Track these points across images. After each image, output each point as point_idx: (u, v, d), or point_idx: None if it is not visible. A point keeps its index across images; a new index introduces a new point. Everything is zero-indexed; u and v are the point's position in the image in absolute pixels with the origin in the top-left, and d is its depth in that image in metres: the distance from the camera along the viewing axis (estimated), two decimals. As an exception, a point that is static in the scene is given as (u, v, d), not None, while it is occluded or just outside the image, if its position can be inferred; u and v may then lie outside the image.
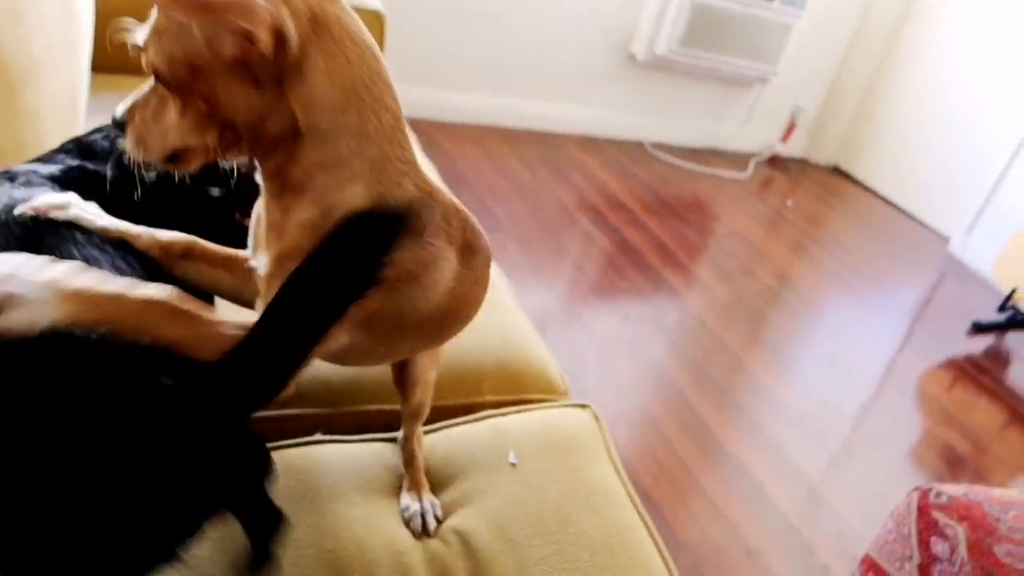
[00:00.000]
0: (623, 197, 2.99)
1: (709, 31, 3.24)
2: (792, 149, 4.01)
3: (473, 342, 0.90)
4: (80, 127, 0.89)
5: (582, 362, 1.99)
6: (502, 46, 3.04)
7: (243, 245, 0.68)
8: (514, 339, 1.01)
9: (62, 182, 0.66)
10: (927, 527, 0.93)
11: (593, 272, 2.46)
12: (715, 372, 2.12)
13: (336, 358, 0.69)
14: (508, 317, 1.06)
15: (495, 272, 0.99)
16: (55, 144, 0.74)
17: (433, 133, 2.96)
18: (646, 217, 2.88)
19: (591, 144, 3.37)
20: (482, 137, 3.08)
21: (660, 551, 0.82)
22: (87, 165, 0.69)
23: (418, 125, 3.00)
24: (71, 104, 0.82)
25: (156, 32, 0.55)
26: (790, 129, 3.94)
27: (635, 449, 1.76)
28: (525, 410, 0.93)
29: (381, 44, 1.55)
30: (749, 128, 3.81)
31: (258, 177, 0.62)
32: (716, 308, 2.45)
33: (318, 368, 0.78)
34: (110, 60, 0.81)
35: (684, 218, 2.99)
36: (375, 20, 1.53)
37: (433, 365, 0.81)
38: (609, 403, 1.87)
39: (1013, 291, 2.72)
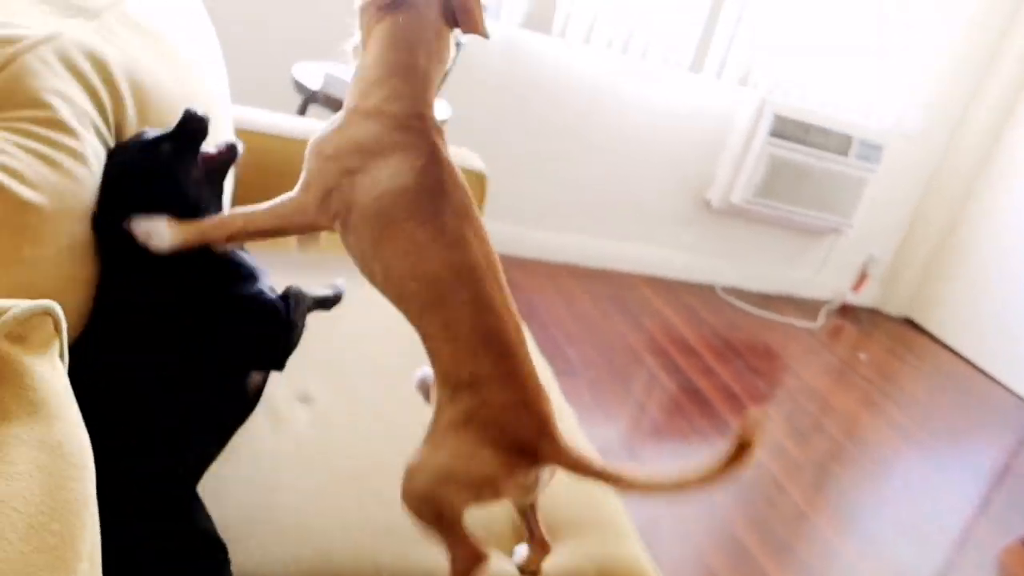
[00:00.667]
0: (692, 341, 3.02)
1: (785, 183, 3.33)
2: (864, 299, 4.00)
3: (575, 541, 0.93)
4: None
5: (639, 505, 1.99)
6: (579, 186, 3.19)
7: None
8: (614, 541, 1.03)
9: None
10: None
11: (657, 414, 2.48)
12: (779, 525, 2.08)
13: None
14: (607, 513, 1.07)
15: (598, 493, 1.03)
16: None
17: (509, 267, 3.05)
18: (714, 362, 2.90)
19: (662, 285, 3.45)
20: (556, 274, 3.19)
21: None
22: None
23: (495, 258, 3.14)
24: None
25: None
26: (862, 278, 3.94)
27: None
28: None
29: (482, 200, 1.68)
30: (821, 276, 3.84)
31: None
32: (782, 459, 2.42)
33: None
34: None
35: (753, 365, 2.99)
36: (478, 181, 1.65)
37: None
38: (667, 548, 1.85)
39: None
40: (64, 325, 0.44)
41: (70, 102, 0.66)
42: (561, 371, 2.49)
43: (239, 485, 0.82)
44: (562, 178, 3.14)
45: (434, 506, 0.74)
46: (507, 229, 3.14)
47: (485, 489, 0.76)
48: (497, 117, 2.94)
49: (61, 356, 0.46)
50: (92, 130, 0.68)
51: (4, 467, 0.39)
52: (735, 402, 2.67)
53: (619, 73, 3.03)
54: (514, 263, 3.14)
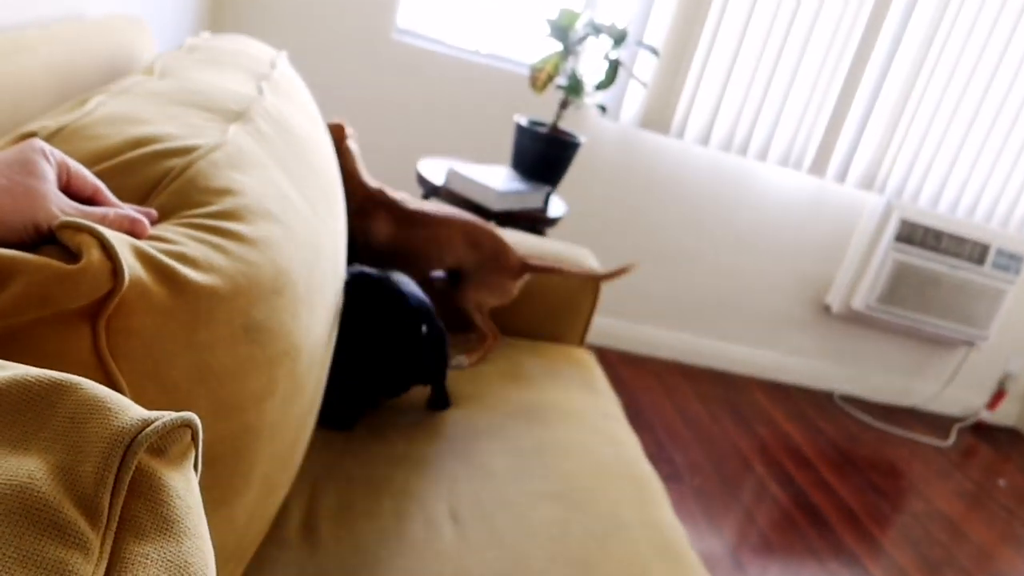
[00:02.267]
0: (807, 451, 2.86)
1: (912, 290, 3.17)
2: (1000, 417, 3.70)
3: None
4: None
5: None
6: (693, 284, 3.14)
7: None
8: None
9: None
10: None
11: (767, 528, 2.33)
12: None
13: None
14: None
15: None
16: (310, 409, 0.88)
17: (616, 363, 3.03)
18: (831, 476, 2.73)
19: (776, 390, 3.31)
20: (664, 372, 3.12)
21: None
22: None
23: (602, 353, 3.11)
24: (325, 368, 0.96)
25: None
26: (999, 395, 3.66)
27: None
28: None
29: (595, 299, 1.69)
30: (951, 390, 3.59)
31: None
32: None
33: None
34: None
35: (874, 483, 2.79)
36: (593, 280, 1.67)
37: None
38: None
39: None
40: (200, 436, 0.46)
41: (238, 195, 0.70)
42: (666, 476, 2.40)
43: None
44: (675, 275, 3.11)
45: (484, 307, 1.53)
46: (616, 324, 3.11)
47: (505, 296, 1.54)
48: (612, 214, 2.96)
49: (196, 467, 0.47)
50: (263, 216, 0.72)
51: (129, 587, 0.40)
52: (854, 522, 2.49)
53: (737, 173, 3.01)
54: (622, 359, 3.09)
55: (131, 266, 0.53)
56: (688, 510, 2.26)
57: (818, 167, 3.00)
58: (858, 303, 3.18)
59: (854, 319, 3.31)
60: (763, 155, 2.93)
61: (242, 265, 0.65)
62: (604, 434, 1.26)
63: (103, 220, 0.58)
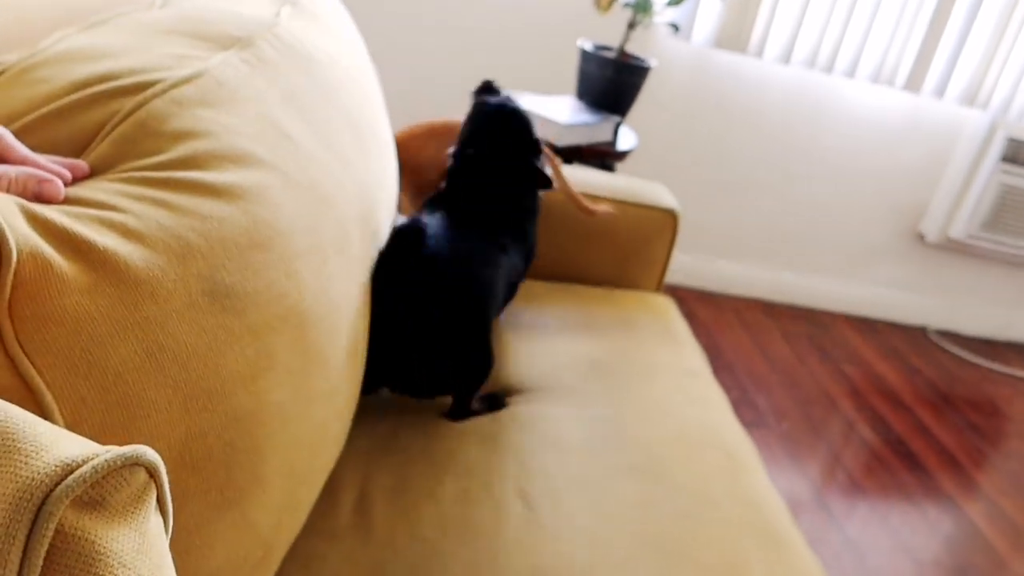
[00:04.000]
0: (900, 390, 2.68)
1: (1018, 216, 2.90)
2: (1114, 349, 3.41)
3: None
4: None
5: (835, 562, 1.74)
6: (774, 216, 2.94)
7: None
8: None
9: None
10: None
11: (854, 467, 2.19)
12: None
13: None
14: None
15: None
16: (341, 386, 0.77)
17: (692, 302, 2.87)
18: (925, 416, 2.55)
19: (865, 326, 3.10)
20: (744, 310, 2.95)
21: None
22: None
23: (677, 292, 2.95)
24: (363, 334, 0.85)
25: None
26: (1112, 326, 3.37)
27: None
28: None
29: (673, 239, 1.54)
30: (1059, 321, 3.32)
31: None
32: (1003, 528, 2.06)
33: None
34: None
35: (972, 422, 2.60)
36: (670, 218, 1.51)
37: None
38: None
39: None
40: (163, 471, 0.34)
41: (202, 137, 0.59)
42: (749, 422, 2.27)
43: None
44: (755, 207, 2.90)
45: None
46: (692, 260, 2.95)
47: None
48: (685, 144, 2.76)
49: (164, 510, 0.36)
50: (237, 161, 0.61)
51: None
52: (951, 464, 2.32)
53: (821, 94, 2.76)
54: (698, 297, 2.93)
55: (23, 236, 0.42)
56: (773, 455, 2.13)
57: (914, 82, 2.73)
58: (957, 231, 2.92)
59: (951, 248, 3.06)
60: (851, 72, 2.67)
61: (195, 221, 0.52)
62: (688, 393, 1.14)
63: None
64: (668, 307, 1.48)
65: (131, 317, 0.47)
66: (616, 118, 1.99)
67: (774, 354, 2.69)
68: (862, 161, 2.89)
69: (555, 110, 1.90)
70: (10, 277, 0.41)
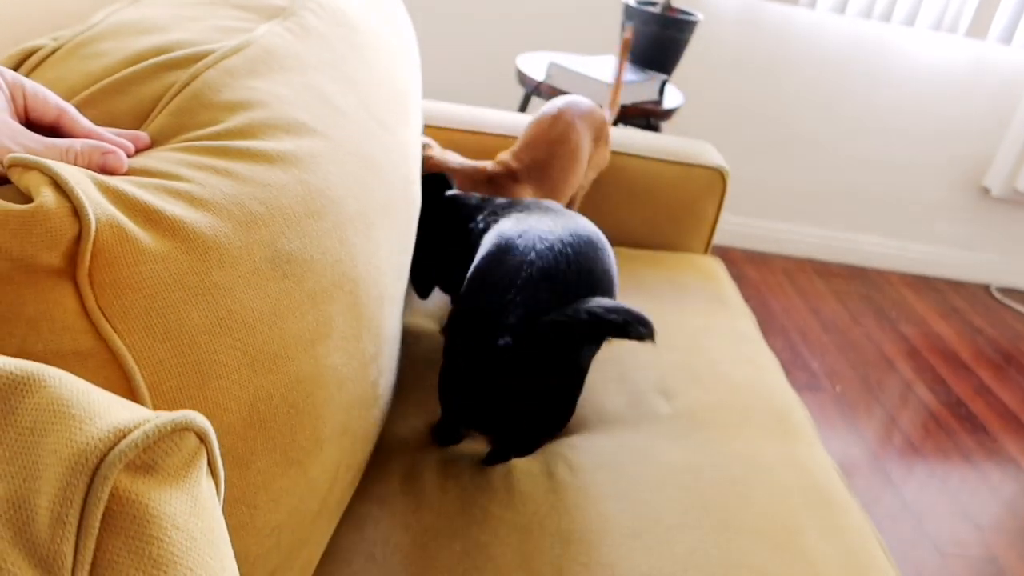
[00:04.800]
0: (960, 350, 2.59)
1: (1089, 166, 2.76)
2: None
3: None
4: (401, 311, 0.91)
5: (891, 525, 1.70)
6: (827, 173, 2.84)
7: None
8: None
9: None
10: None
11: (912, 429, 2.13)
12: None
13: None
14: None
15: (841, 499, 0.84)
16: (386, 346, 0.77)
17: (741, 263, 2.81)
18: (987, 376, 2.46)
19: (924, 285, 3.00)
20: (795, 271, 2.88)
21: None
22: None
23: (725, 252, 2.89)
24: (401, 295, 0.84)
25: None
26: None
27: None
28: None
29: (722, 199, 1.50)
30: None
31: None
32: None
33: None
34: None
35: (1039, 383, 2.51)
36: (718, 177, 1.47)
37: None
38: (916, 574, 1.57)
39: None
40: (212, 435, 0.34)
41: (256, 107, 0.59)
42: (803, 385, 2.22)
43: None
44: (808, 164, 2.81)
45: None
46: (741, 221, 2.88)
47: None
48: (734, 101, 2.68)
49: (215, 473, 0.36)
50: (289, 130, 0.61)
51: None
52: (1015, 425, 2.24)
53: (878, 45, 2.64)
54: (747, 258, 2.87)
55: (99, 206, 0.43)
56: (828, 419, 2.08)
57: (978, 28, 2.59)
58: (1023, 183, 2.80)
59: (1018, 201, 2.93)
60: (911, 20, 2.55)
61: (256, 189, 0.53)
62: (737, 355, 1.11)
63: (66, 154, 0.47)
64: (717, 269, 1.44)
65: (202, 283, 0.48)
66: (662, 76, 1.93)
67: (827, 315, 2.62)
68: (922, 115, 2.78)
69: (598, 69, 1.85)
70: (90, 246, 0.42)
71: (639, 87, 1.86)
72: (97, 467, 0.29)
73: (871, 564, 0.81)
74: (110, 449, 0.30)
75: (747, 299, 2.61)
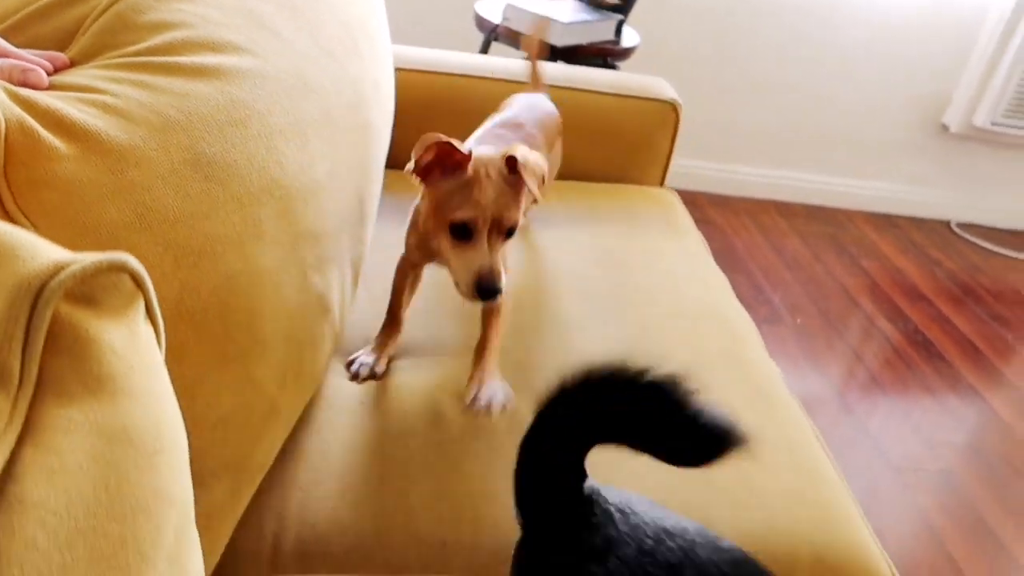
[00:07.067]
0: (921, 284, 2.66)
1: (1043, 99, 2.81)
2: None
3: (786, 522, 0.80)
4: (368, 233, 0.94)
5: (855, 460, 1.77)
6: (786, 113, 2.88)
7: None
8: (833, 520, 0.87)
9: None
10: None
11: (875, 365, 2.20)
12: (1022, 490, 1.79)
13: None
14: (826, 490, 0.89)
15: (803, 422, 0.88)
16: (336, 259, 0.79)
17: (705, 206, 2.85)
18: (947, 308, 2.54)
19: (885, 222, 3.06)
20: (759, 212, 2.92)
21: None
22: None
23: (689, 197, 2.93)
24: (356, 216, 0.86)
25: None
26: None
27: (911, 561, 1.53)
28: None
29: (675, 132, 1.52)
30: (1087, 209, 3.25)
31: None
32: None
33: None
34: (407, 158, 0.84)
35: (997, 313, 2.59)
36: (671, 110, 1.50)
37: None
38: (882, 507, 1.64)
39: None
40: (148, 281, 0.37)
41: (180, 27, 0.60)
42: (764, 318, 2.28)
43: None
44: (767, 105, 2.85)
45: None
46: (702, 164, 2.91)
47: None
48: (690, 40, 2.70)
49: (153, 320, 0.39)
50: (215, 48, 0.63)
51: (47, 459, 0.33)
52: (974, 355, 2.32)
53: (836, -19, 2.67)
54: (711, 201, 2.91)
55: (8, 108, 0.45)
56: (789, 352, 2.15)
57: (932, -37, 2.62)
58: (981, 119, 2.85)
59: (976, 137, 2.98)
60: (866, -44, 2.57)
61: (173, 98, 0.55)
62: (688, 275, 1.15)
63: None
64: (672, 200, 1.48)
65: (117, 182, 0.50)
66: (618, 16, 1.95)
67: (789, 253, 2.68)
68: (880, 54, 2.81)
69: (554, 8, 1.86)
70: (2, 145, 0.44)
71: (595, 26, 1.87)
72: (39, 292, 0.33)
73: (808, 451, 0.86)
74: (51, 278, 0.33)
75: (710, 240, 2.65)
